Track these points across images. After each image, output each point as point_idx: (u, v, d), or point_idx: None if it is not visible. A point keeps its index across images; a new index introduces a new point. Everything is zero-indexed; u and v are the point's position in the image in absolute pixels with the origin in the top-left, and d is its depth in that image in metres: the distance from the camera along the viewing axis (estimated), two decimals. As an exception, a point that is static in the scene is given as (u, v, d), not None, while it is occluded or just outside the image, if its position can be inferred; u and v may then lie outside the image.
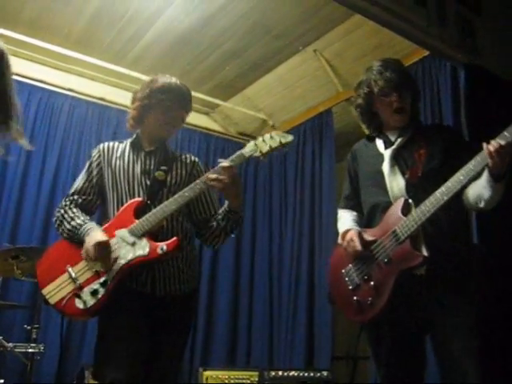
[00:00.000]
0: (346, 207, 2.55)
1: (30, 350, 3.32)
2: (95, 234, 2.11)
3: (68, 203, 2.29)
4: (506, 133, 1.98)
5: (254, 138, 5.54)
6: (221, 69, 4.95)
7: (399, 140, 2.34)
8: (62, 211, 2.26)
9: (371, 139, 2.48)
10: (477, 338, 2.04)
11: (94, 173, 2.32)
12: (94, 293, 2.04)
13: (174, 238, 2.11)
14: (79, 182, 2.34)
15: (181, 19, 4.26)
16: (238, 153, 2.14)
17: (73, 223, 2.19)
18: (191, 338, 4.90)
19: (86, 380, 3.42)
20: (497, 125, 3.08)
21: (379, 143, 2.42)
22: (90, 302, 2.03)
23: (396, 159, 2.30)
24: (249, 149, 2.13)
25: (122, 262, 2.07)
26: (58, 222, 2.27)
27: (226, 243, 4.94)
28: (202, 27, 4.35)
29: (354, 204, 2.51)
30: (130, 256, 2.08)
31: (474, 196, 2.12)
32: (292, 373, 3.95)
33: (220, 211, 2.30)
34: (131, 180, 2.25)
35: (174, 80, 2.37)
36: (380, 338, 2.25)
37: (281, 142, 2.11)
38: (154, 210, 2.13)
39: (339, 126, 5.10)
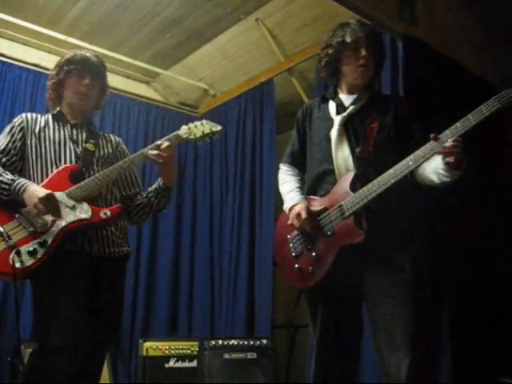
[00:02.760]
0: (290, 163, 2.56)
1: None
2: (37, 189, 2.08)
3: None
4: (447, 131, 2.00)
5: (195, 108, 5.59)
6: (160, 37, 4.82)
7: (351, 107, 2.33)
8: None
9: (325, 100, 2.47)
10: (411, 309, 2.09)
11: (18, 137, 2.28)
12: (33, 252, 2.00)
13: (117, 205, 2.22)
14: (2, 142, 2.28)
15: (118, -16, 4.13)
16: (174, 133, 2.27)
17: (2, 179, 2.14)
18: (131, 310, 4.88)
19: (24, 356, 3.35)
20: (432, 96, 3.18)
21: (332, 106, 2.41)
22: (28, 261, 1.99)
23: (345, 127, 2.30)
24: (183, 131, 2.25)
25: (63, 223, 2.07)
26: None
27: (167, 215, 5.05)
28: (138, -6, 4.23)
29: (298, 161, 2.52)
30: (71, 218, 2.08)
31: (426, 176, 2.16)
32: (232, 341, 3.99)
33: (151, 189, 2.39)
34: (58, 148, 2.26)
35: (82, 52, 2.38)
36: (317, 303, 2.32)
37: (211, 130, 2.25)
38: (93, 177, 2.17)
39: (280, 96, 5.09)
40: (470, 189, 2.89)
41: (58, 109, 2.39)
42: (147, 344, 4.02)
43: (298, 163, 2.53)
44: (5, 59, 4.59)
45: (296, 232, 2.35)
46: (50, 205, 2.06)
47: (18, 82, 4.55)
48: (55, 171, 2.19)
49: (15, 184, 2.11)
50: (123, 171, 2.22)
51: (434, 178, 2.12)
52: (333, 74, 2.45)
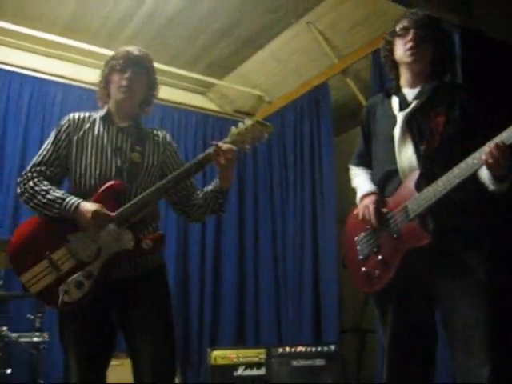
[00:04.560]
0: (358, 164, 2.48)
1: (35, 340, 3.33)
2: (89, 205, 2.00)
3: (36, 175, 2.12)
4: (504, 133, 1.85)
5: (252, 115, 5.58)
6: (213, 48, 4.88)
7: (415, 102, 2.19)
8: (31, 183, 2.10)
9: (388, 95, 2.34)
10: (488, 310, 1.97)
11: (63, 144, 2.18)
12: (79, 285, 1.95)
13: (159, 233, 2.11)
14: (46, 152, 2.17)
15: (167, 0, 4.20)
16: (224, 142, 2.07)
17: (49, 196, 2.05)
18: (199, 320, 4.94)
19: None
20: (494, 88, 3.05)
21: (395, 102, 2.28)
22: (75, 295, 1.95)
23: (409, 124, 2.18)
24: (233, 138, 2.06)
25: (108, 253, 2.00)
26: (26, 194, 2.09)
27: (229, 223, 5.07)
28: (189, 8, 4.28)
29: (367, 162, 2.43)
30: (115, 248, 2.01)
31: (485, 179, 2.01)
32: (299, 348, 3.96)
33: (207, 190, 2.23)
34: (100, 155, 2.14)
35: (125, 47, 2.28)
36: (386, 307, 2.25)
37: (261, 132, 2.04)
38: (137, 199, 2.05)
39: (336, 98, 5.02)
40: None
41: (106, 109, 2.27)
42: (215, 353, 4.04)
43: (367, 164, 2.44)
44: (66, 81, 4.77)
45: (363, 234, 2.29)
46: (102, 223, 2.00)
47: (79, 103, 4.66)
48: (100, 190, 2.07)
49: (65, 202, 2.02)
50: (164, 191, 2.07)
51: (488, 185, 2.01)
52: (391, 66, 2.36)
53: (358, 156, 2.51)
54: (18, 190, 2.14)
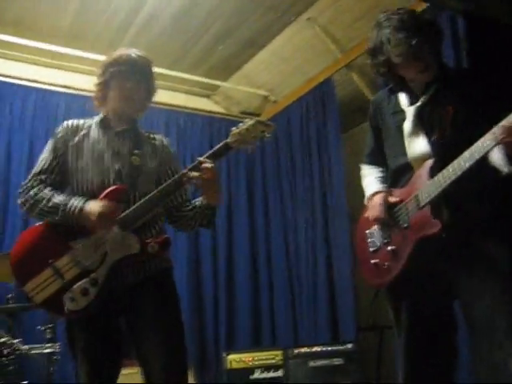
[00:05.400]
0: (370, 163, 2.46)
1: (47, 351, 3.31)
2: (95, 204, 1.97)
3: (38, 182, 2.11)
4: None
5: (257, 115, 5.54)
6: (215, 50, 4.85)
7: (424, 96, 2.17)
8: (34, 191, 2.08)
9: (393, 92, 2.31)
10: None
11: (60, 152, 2.15)
12: (85, 292, 1.93)
13: (165, 237, 2.07)
14: (45, 161, 2.15)
15: (165, 4, 4.17)
16: (222, 144, 2.05)
17: (55, 201, 2.02)
18: (214, 323, 4.90)
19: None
20: (500, 71, 2.98)
21: (402, 98, 2.26)
22: (82, 302, 1.93)
23: (420, 118, 2.16)
24: (233, 138, 2.03)
25: (112, 258, 1.98)
26: (30, 202, 2.08)
27: (241, 226, 5.04)
28: (188, 11, 4.25)
29: (378, 160, 2.41)
30: (120, 253, 1.99)
31: (499, 161, 1.96)
32: (316, 348, 3.91)
33: (197, 204, 2.21)
34: (98, 160, 2.12)
35: (127, 51, 2.24)
36: (399, 301, 2.20)
37: (262, 129, 2.02)
38: (141, 203, 2.02)
39: (342, 94, 4.96)
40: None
41: (103, 114, 2.25)
42: (231, 357, 4.00)
43: (378, 162, 2.41)
44: (69, 90, 4.78)
45: (375, 227, 2.26)
46: (108, 220, 1.97)
47: (83, 112, 4.62)
48: (102, 194, 2.03)
49: (70, 205, 2.00)
50: (167, 198, 2.06)
51: (502, 168, 1.94)
52: (393, 82, 2.26)
53: (369, 155, 2.48)
54: (20, 200, 2.13)
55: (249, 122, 2.02)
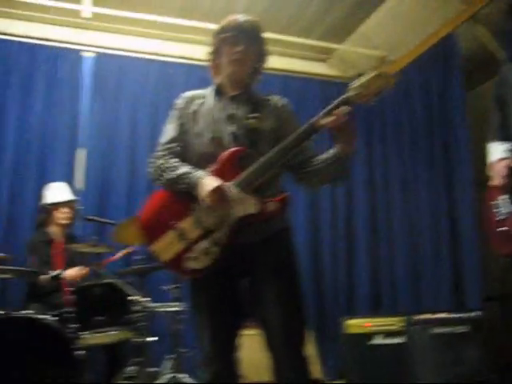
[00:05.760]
0: (497, 139, 2.34)
1: (174, 310, 3.50)
2: (209, 181, 2.02)
3: (165, 153, 2.18)
4: None
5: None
6: (328, 12, 4.76)
7: None
8: (162, 161, 2.16)
9: None
10: None
11: (181, 121, 2.21)
12: (207, 252, 1.99)
13: (284, 195, 2.04)
14: (169, 131, 2.23)
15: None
16: (342, 98, 1.95)
17: (178, 172, 2.09)
18: (333, 289, 4.92)
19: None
20: None
21: None
22: (204, 262, 1.99)
23: None
24: (352, 92, 1.93)
25: (232, 218, 2.01)
26: (157, 172, 2.16)
27: (359, 186, 4.96)
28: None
29: (507, 134, 2.29)
30: (240, 213, 2.01)
31: None
32: (439, 315, 3.78)
33: (328, 156, 2.10)
34: (214, 125, 2.14)
35: (235, 17, 2.21)
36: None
37: (383, 84, 1.90)
38: (259, 163, 2.01)
39: (465, 49, 4.65)
40: None
41: (217, 82, 2.26)
42: (351, 322, 3.98)
43: (507, 136, 2.27)
44: (188, 61, 4.93)
45: (501, 197, 2.19)
46: (220, 199, 1.99)
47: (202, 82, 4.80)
48: (222, 157, 2.06)
49: (191, 176, 2.05)
50: (288, 153, 2.02)
51: None
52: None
53: (495, 130, 2.36)
54: (149, 169, 2.22)
55: (370, 74, 1.92)
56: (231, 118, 2.16)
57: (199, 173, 2.07)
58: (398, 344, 3.85)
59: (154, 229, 2.09)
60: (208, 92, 2.27)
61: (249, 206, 2.01)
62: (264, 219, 2.05)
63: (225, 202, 2.00)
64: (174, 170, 2.10)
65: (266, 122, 2.17)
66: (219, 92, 2.24)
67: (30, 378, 2.92)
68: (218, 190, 1.98)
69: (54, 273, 3.59)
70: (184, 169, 2.10)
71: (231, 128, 2.13)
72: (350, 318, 4.03)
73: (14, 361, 2.92)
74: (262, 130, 2.15)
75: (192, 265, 2.00)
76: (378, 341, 3.88)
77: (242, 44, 2.16)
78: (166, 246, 2.04)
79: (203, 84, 2.36)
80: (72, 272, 3.72)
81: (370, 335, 3.90)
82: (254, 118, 2.14)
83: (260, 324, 2.09)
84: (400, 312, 4.28)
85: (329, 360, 4.52)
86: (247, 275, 2.10)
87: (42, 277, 3.65)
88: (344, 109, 1.92)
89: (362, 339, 3.89)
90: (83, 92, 4.81)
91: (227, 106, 2.20)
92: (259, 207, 2.00)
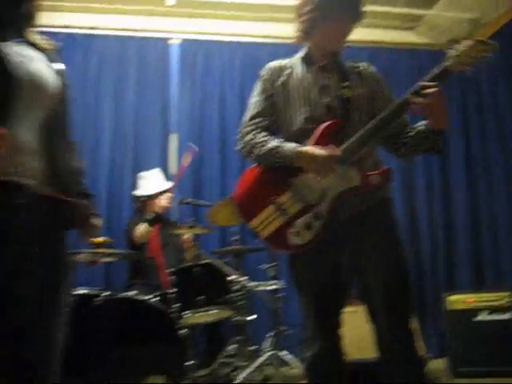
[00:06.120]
0: None
1: (272, 288, 3.53)
2: (311, 148, 1.96)
3: (252, 128, 2.13)
4: None
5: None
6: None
7: None
8: (250, 136, 2.12)
9: None
10: None
11: (268, 93, 2.15)
12: (309, 227, 1.95)
13: (386, 168, 1.99)
14: (255, 105, 2.17)
15: None
16: (440, 67, 1.88)
17: (268, 146, 2.05)
18: (432, 263, 4.77)
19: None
20: None
21: None
22: (306, 236, 1.95)
23: None
24: (451, 60, 1.86)
25: (334, 192, 1.96)
26: (247, 148, 2.13)
27: (456, 162, 4.76)
28: None
29: None
30: (341, 187, 1.96)
31: None
32: (550, 289, 3.57)
33: (420, 129, 2.04)
34: (306, 97, 2.07)
35: None
36: None
37: (482, 51, 1.83)
38: (357, 136, 1.95)
39: None
40: None
41: (305, 50, 2.18)
42: (452, 298, 3.85)
43: None
44: (274, 40, 4.90)
45: None
46: (329, 167, 1.94)
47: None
48: (318, 130, 2.00)
49: (285, 149, 2.01)
50: (386, 126, 1.95)
51: None
52: None
53: None
54: (238, 146, 2.19)
55: (467, 42, 1.84)
56: (324, 89, 2.09)
57: (292, 145, 2.02)
58: (505, 320, 3.68)
59: (251, 205, 2.07)
60: (295, 61, 2.20)
61: (351, 179, 1.97)
62: (366, 192, 2.00)
63: (331, 171, 1.95)
64: (263, 145, 2.07)
65: (358, 90, 2.10)
66: (308, 61, 2.17)
67: (136, 357, 3.04)
68: (328, 158, 1.93)
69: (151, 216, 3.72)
70: (274, 143, 2.06)
71: (325, 100, 2.07)
72: (452, 294, 3.90)
73: (120, 340, 3.04)
74: (355, 99, 2.08)
75: (294, 240, 1.98)
76: (483, 317, 3.72)
77: (347, 22, 2.08)
78: (266, 222, 2.02)
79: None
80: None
81: (474, 311, 3.75)
82: (346, 87, 2.07)
83: (363, 295, 2.05)
84: (505, 287, 4.08)
85: (430, 338, 4.41)
86: (349, 248, 2.05)
87: (139, 230, 3.79)
88: (436, 88, 1.85)
89: (465, 316, 3.75)
90: (172, 78, 4.93)
91: (318, 76, 2.13)
92: (362, 180, 1.96)
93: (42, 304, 1.46)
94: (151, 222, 3.74)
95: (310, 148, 1.98)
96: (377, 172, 1.98)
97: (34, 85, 1.47)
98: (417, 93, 1.88)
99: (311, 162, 1.96)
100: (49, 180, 1.50)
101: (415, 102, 1.88)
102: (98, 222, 1.69)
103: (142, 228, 3.81)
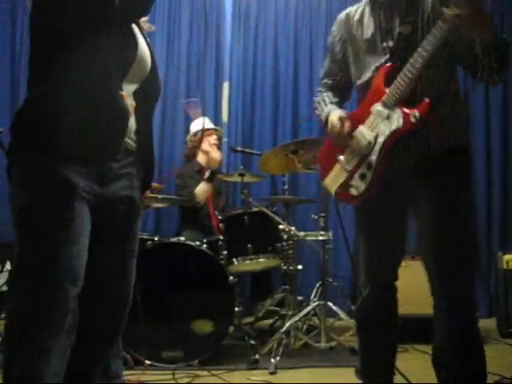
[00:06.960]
0: None
1: (320, 238, 3.50)
2: (333, 119, 2.02)
3: (321, 88, 2.21)
4: None
5: None
6: None
7: None
8: (318, 97, 2.20)
9: None
10: None
11: (337, 49, 2.12)
12: (363, 177, 1.96)
13: (425, 101, 1.81)
14: (325, 64, 2.21)
15: None
16: None
17: (321, 107, 2.16)
18: (486, 222, 4.63)
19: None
20: None
21: None
22: (361, 187, 1.97)
23: None
24: None
25: (382, 139, 1.91)
26: (315, 106, 2.22)
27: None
28: None
29: None
30: (387, 131, 1.89)
31: None
32: None
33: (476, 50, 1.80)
34: (373, 45, 1.98)
35: None
36: None
37: None
38: (400, 74, 1.83)
39: None
40: None
41: None
42: (507, 257, 3.73)
43: None
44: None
45: None
46: (340, 132, 1.97)
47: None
48: (374, 78, 1.95)
49: (323, 114, 2.11)
50: (427, 54, 1.76)
51: None
52: None
53: None
54: (315, 106, 2.25)
55: None
56: (388, 32, 1.97)
57: (328, 109, 2.09)
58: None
59: (325, 165, 2.15)
60: (362, 7, 2.08)
61: (393, 121, 1.87)
62: (411, 133, 1.88)
63: (345, 134, 1.98)
64: (319, 105, 2.17)
65: (420, 25, 1.92)
66: (373, 3, 2.03)
67: (185, 301, 3.11)
68: (338, 134, 1.99)
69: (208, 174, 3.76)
70: (323, 105, 2.15)
71: (387, 42, 1.96)
72: (506, 253, 3.79)
73: (170, 284, 3.12)
74: (416, 35, 1.91)
75: (352, 192, 2.00)
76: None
77: None
78: (334, 179, 2.10)
79: (345, 9, 2.20)
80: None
81: (529, 271, 3.64)
82: (408, 22, 1.93)
83: (422, 244, 1.97)
84: None
85: (480, 298, 4.33)
86: (406, 200, 2.00)
87: (199, 192, 3.82)
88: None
89: (520, 275, 3.64)
90: (226, 25, 4.88)
91: (380, 16, 2.00)
92: (402, 122, 1.85)
93: (123, 243, 1.68)
94: (209, 180, 3.75)
95: (332, 117, 2.03)
96: (416, 108, 1.83)
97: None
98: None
99: (331, 130, 2.03)
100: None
101: (448, 18, 1.66)
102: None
103: (201, 188, 3.82)
